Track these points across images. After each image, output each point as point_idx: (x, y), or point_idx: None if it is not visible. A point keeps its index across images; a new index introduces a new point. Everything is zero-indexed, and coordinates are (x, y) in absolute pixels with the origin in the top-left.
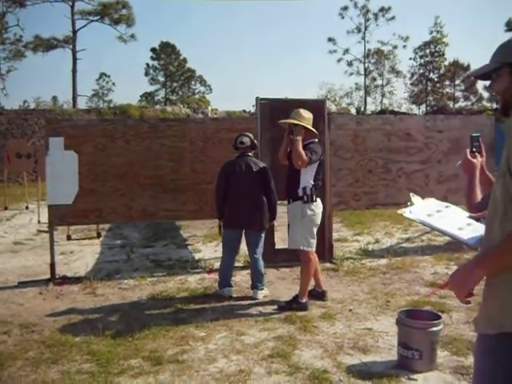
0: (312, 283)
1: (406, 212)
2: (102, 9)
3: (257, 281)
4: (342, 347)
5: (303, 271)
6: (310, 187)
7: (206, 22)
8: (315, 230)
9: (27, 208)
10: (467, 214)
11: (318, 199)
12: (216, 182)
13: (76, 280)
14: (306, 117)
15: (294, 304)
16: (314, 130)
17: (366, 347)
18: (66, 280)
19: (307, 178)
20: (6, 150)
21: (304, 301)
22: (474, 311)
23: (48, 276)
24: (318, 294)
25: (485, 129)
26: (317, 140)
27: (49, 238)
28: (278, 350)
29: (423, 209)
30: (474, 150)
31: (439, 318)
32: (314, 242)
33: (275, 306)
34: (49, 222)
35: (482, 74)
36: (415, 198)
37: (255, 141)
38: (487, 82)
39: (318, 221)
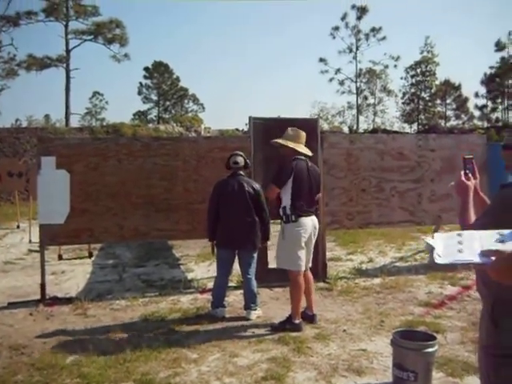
0: (304, 304)
1: (437, 259)
2: (95, 28)
3: (250, 301)
4: (337, 369)
5: (291, 291)
6: (289, 207)
7: (198, 40)
8: (300, 250)
9: (18, 227)
10: (485, 232)
11: (303, 218)
12: (208, 202)
13: (67, 300)
14: (291, 134)
15: (288, 325)
16: (298, 150)
17: (361, 369)
18: (56, 301)
19: (286, 198)
20: None
21: (297, 321)
22: (469, 331)
23: (38, 296)
24: (308, 317)
25: (477, 148)
26: (301, 157)
27: (40, 257)
28: (271, 372)
29: (447, 247)
30: (468, 171)
31: (434, 338)
32: (299, 262)
33: (268, 327)
34: (40, 242)
35: None
36: (429, 240)
37: (247, 160)
38: (478, 101)
39: (301, 241)
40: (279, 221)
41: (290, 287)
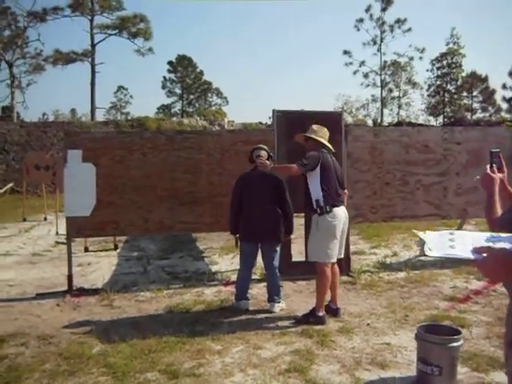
0: (328, 298)
1: (426, 252)
2: (120, 23)
3: (273, 294)
4: (360, 362)
5: (317, 283)
6: (322, 199)
7: (222, 34)
8: (333, 241)
9: (45, 219)
10: (477, 233)
11: (336, 209)
12: (231, 195)
13: (93, 292)
14: (316, 130)
15: (311, 317)
16: (324, 142)
17: (385, 362)
18: (83, 292)
19: (316, 190)
20: (25, 162)
21: (321, 314)
22: (495, 326)
23: (65, 288)
24: (332, 311)
25: (504, 141)
26: (325, 151)
27: (66, 249)
28: (294, 364)
29: (440, 243)
30: (494, 165)
31: (459, 333)
32: (331, 253)
33: (292, 320)
34: (67, 234)
35: None
36: (420, 234)
37: (271, 153)
38: (506, 93)
39: (336, 231)
40: (303, 214)
41: (317, 279)
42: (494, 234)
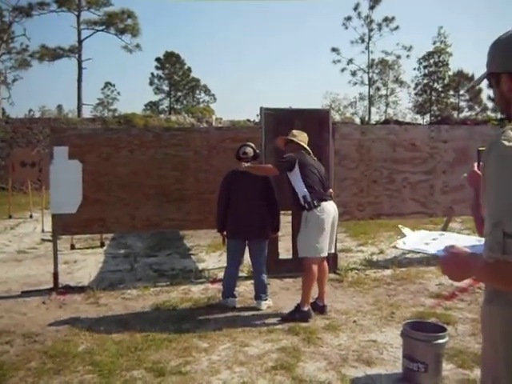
0: (315, 295)
1: (399, 244)
2: (107, 19)
3: (260, 291)
4: (347, 359)
5: (303, 278)
6: (309, 194)
7: (210, 31)
8: (322, 234)
9: (31, 217)
10: (464, 236)
11: (324, 203)
12: (218, 192)
13: (79, 289)
14: (296, 134)
15: (297, 313)
16: (303, 145)
17: (371, 359)
18: (69, 289)
19: (300, 188)
20: (11, 159)
21: (306, 308)
22: (480, 323)
23: (51, 285)
24: (319, 308)
25: (490, 139)
26: (304, 152)
27: (52, 247)
28: (281, 361)
29: (418, 238)
30: (481, 163)
31: (445, 330)
32: (320, 247)
33: (279, 317)
34: (52, 231)
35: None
36: (405, 230)
37: (257, 150)
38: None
39: (325, 225)
40: (290, 212)
41: (303, 275)
42: (480, 239)
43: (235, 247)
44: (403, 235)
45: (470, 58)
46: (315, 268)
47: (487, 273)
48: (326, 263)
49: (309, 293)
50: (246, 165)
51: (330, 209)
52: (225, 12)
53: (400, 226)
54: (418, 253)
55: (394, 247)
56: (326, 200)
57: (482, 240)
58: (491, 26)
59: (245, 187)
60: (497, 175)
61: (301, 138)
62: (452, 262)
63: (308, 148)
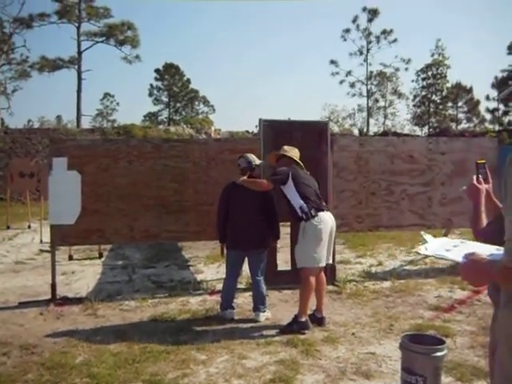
0: (313, 307)
1: (421, 250)
2: (107, 30)
3: (259, 303)
4: (345, 372)
5: (301, 289)
6: (305, 205)
7: (209, 39)
8: (320, 244)
9: (29, 227)
10: (484, 244)
11: (321, 213)
12: (218, 203)
13: (77, 301)
14: (287, 150)
15: (295, 325)
16: (295, 159)
17: (369, 372)
18: (66, 301)
19: (296, 199)
20: (10, 169)
21: (304, 319)
22: (479, 335)
23: (49, 296)
24: (317, 320)
25: (488, 151)
26: (296, 167)
27: (50, 257)
28: (279, 374)
29: (440, 245)
30: (480, 176)
31: (443, 342)
32: (318, 257)
33: (277, 329)
34: (51, 242)
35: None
36: (427, 236)
37: (255, 162)
38: (489, 104)
39: (323, 235)
40: (288, 223)
41: (301, 286)
42: (497, 251)
43: (234, 259)
44: (424, 241)
45: (469, 70)
46: (313, 279)
47: (508, 277)
48: (323, 274)
49: (306, 303)
50: (242, 178)
51: (327, 219)
52: (223, 20)
53: (422, 232)
54: (441, 259)
55: (417, 253)
56: (323, 210)
57: (501, 249)
58: (489, 39)
59: (244, 199)
60: None
61: (293, 152)
62: (472, 269)
63: (300, 162)
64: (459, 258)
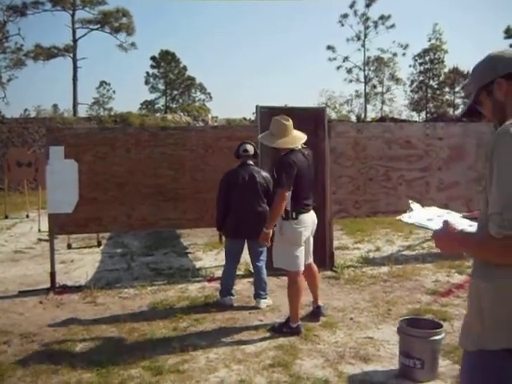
0: (310, 299)
1: (404, 217)
2: (102, 17)
3: (260, 289)
4: (344, 356)
5: (289, 293)
6: (290, 203)
7: (206, 29)
8: (298, 249)
9: (28, 216)
10: (463, 219)
11: (303, 216)
12: (217, 191)
13: (76, 289)
14: (275, 134)
15: (285, 328)
16: (289, 147)
17: (368, 356)
18: (66, 289)
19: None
20: (7, 159)
21: (295, 325)
22: None
23: (48, 285)
24: (318, 312)
25: (484, 136)
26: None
27: (49, 246)
28: (278, 359)
29: (424, 214)
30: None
31: (441, 326)
32: (297, 262)
33: (275, 315)
34: (49, 231)
35: (469, 111)
36: (414, 205)
37: (257, 149)
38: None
39: (300, 240)
40: None
41: (288, 289)
42: (469, 226)
43: (234, 246)
44: (410, 209)
45: (466, 55)
46: (300, 281)
47: (489, 248)
48: (314, 266)
49: (296, 308)
50: (266, 231)
51: (307, 220)
52: (221, 9)
53: (410, 200)
54: (421, 227)
55: (400, 220)
56: (306, 211)
57: (474, 225)
58: (487, 23)
59: (245, 187)
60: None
61: (284, 134)
62: (443, 237)
63: (295, 140)
64: (433, 226)
